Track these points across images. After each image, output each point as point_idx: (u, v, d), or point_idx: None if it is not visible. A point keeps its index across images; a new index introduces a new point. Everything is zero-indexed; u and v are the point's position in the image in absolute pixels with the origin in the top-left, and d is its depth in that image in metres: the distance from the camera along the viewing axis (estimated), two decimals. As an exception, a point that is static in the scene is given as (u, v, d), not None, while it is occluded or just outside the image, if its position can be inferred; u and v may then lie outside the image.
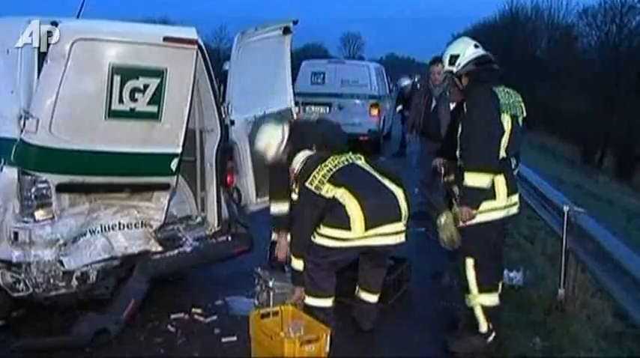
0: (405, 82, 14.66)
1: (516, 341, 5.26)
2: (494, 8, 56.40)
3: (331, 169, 5.06)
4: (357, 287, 5.45)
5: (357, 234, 4.87)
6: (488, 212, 4.83)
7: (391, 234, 5.01)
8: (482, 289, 4.93)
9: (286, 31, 6.51)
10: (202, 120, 5.82)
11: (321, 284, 5.06)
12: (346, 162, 5.18)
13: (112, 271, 5.06)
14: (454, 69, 4.98)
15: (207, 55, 5.56)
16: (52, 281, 4.74)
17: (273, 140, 5.54)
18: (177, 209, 6.04)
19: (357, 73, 15.92)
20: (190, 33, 4.89)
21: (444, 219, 5.01)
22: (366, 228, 4.86)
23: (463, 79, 4.99)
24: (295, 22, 6.55)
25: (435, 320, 5.84)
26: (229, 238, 5.89)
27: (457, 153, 5.02)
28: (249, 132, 6.22)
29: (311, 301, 5.10)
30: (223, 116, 5.86)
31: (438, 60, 8.71)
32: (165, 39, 4.71)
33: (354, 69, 16.45)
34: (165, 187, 5.23)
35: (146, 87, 4.75)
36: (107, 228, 4.97)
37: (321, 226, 4.95)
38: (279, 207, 5.77)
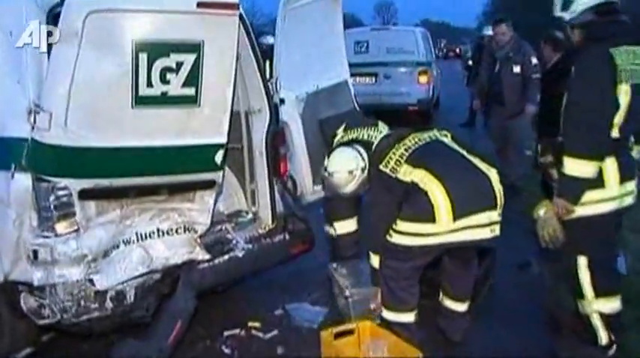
0: (489, 31, 13.48)
1: (635, 344, 4.52)
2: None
3: (409, 148, 4.34)
4: (440, 293, 4.71)
5: (444, 226, 4.08)
6: (595, 204, 4.00)
7: (485, 226, 4.19)
8: (600, 293, 4.16)
9: None
10: (247, 101, 5.13)
11: (401, 295, 4.34)
12: (428, 139, 4.42)
13: (153, 287, 4.43)
14: (567, 15, 4.02)
15: (248, 23, 4.85)
16: (82, 304, 4.13)
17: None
18: (224, 204, 5.40)
19: (402, 39, 15.23)
20: (230, -5, 4.16)
21: (543, 211, 4.16)
22: (455, 218, 4.06)
23: (576, 31, 4.05)
24: None
25: (532, 321, 5.04)
26: (287, 236, 5.17)
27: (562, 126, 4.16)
28: (302, 111, 5.70)
29: (390, 315, 4.40)
30: (271, 94, 5.19)
31: (501, 20, 8.65)
32: (200, 4, 3.96)
33: (399, 35, 15.79)
34: (209, 185, 4.54)
35: (179, 65, 4.04)
36: (144, 237, 4.33)
37: (398, 221, 4.20)
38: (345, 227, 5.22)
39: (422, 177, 4.15)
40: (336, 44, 6.24)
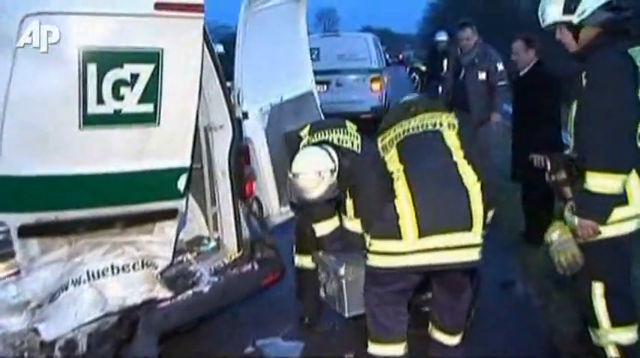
0: (442, 36, 13.27)
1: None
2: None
3: (407, 131, 3.95)
4: (429, 324, 4.27)
5: (410, 244, 3.67)
6: (619, 223, 3.62)
7: (455, 249, 3.72)
8: (617, 322, 3.78)
9: None
10: (208, 115, 4.69)
11: (387, 324, 3.92)
12: (430, 128, 3.95)
13: (109, 334, 3.92)
14: (574, 18, 3.62)
15: (207, 29, 4.35)
16: (26, 357, 3.67)
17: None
18: (183, 230, 4.82)
19: (354, 45, 15.00)
20: (194, -6, 3.76)
21: (557, 234, 3.79)
22: (420, 235, 3.65)
23: (585, 33, 3.66)
24: None
25: (528, 350, 4.67)
26: (255, 266, 4.69)
27: (570, 141, 3.86)
28: (266, 125, 5.25)
29: (376, 349, 3.98)
30: (234, 108, 4.78)
31: (466, 24, 8.23)
32: (159, 6, 3.52)
33: (350, 41, 15.48)
34: (171, 215, 4.08)
35: (135, 78, 3.64)
36: (96, 275, 3.84)
37: (371, 240, 3.83)
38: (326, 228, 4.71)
39: (397, 175, 3.77)
40: (300, 51, 5.81)
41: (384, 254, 3.78)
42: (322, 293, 4.62)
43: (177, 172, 3.98)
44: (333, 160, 4.28)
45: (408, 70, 28.51)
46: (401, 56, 50.42)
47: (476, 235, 3.72)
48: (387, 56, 18.86)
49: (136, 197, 3.94)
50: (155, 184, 3.95)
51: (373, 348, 3.97)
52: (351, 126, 4.70)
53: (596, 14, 3.59)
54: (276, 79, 5.40)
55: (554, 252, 3.80)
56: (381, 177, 3.93)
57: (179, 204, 4.08)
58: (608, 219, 3.57)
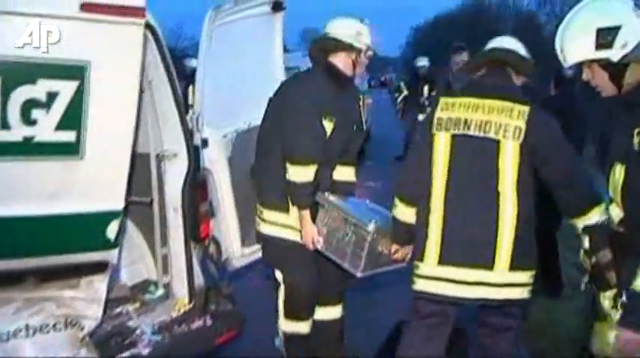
0: (423, 61, 13.09)
1: None
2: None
3: (469, 126, 3.53)
4: None
5: (428, 268, 3.57)
6: None
7: (471, 284, 3.53)
8: None
9: (277, 6, 5.05)
10: (160, 141, 4.22)
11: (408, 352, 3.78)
12: (491, 134, 3.51)
13: None
14: (613, 54, 2.77)
15: (162, 39, 3.88)
16: None
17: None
18: (128, 273, 4.44)
19: None
20: (132, -4, 3.20)
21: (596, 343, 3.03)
22: (439, 262, 3.56)
23: (632, 71, 2.81)
24: None
25: None
26: (208, 321, 4.20)
27: (613, 211, 2.94)
28: (230, 155, 4.80)
29: None
30: (191, 133, 4.29)
31: (462, 48, 8.00)
32: (86, 6, 2.95)
33: None
34: (99, 268, 3.52)
35: (52, 98, 3.08)
36: (5, 337, 3.33)
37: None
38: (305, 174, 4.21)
39: (438, 188, 3.53)
40: (273, 70, 5.28)
41: (413, 274, 3.66)
42: (322, 245, 4.16)
43: (106, 217, 3.44)
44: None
45: (393, 94, 28.54)
46: (383, 79, 50.54)
47: (496, 275, 3.52)
48: (370, 78, 18.50)
49: (53, 247, 3.36)
50: (78, 232, 3.40)
51: None
52: None
53: None
54: (243, 101, 4.90)
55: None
56: None
57: (109, 255, 3.52)
58: None
